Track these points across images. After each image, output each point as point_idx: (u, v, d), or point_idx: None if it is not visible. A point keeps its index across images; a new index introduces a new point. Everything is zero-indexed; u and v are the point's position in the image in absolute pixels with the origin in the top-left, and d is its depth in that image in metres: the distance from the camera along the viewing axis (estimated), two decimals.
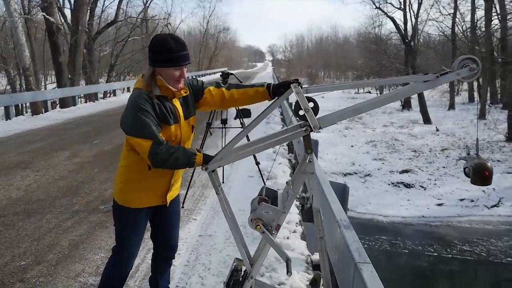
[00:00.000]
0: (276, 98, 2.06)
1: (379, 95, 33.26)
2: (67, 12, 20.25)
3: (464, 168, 2.07)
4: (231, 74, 4.56)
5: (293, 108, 2.01)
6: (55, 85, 19.14)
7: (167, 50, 1.89)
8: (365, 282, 1.70)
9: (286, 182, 2.28)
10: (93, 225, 4.03)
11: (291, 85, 1.99)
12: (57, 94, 15.25)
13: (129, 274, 2.34)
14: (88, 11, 20.00)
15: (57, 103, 15.46)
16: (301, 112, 1.93)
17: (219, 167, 2.01)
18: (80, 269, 3.17)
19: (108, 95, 20.56)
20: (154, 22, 33.39)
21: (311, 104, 1.93)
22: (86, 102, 18.46)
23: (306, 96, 1.95)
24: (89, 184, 5.39)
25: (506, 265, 10.32)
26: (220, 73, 4.63)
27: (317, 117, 1.91)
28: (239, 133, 1.99)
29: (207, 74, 41.23)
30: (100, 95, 19.32)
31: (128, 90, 21.79)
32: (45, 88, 23.41)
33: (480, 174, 1.96)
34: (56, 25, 15.90)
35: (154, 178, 2.08)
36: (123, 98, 18.64)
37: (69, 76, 16.92)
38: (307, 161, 2.00)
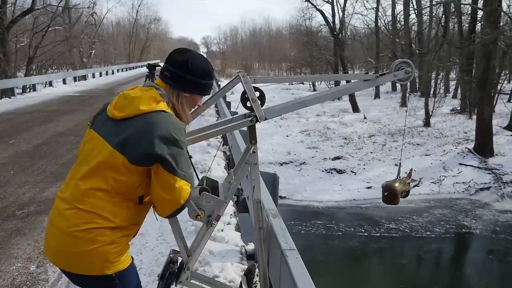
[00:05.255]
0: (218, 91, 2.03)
1: (311, 86, 34.56)
2: None
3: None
4: (158, 65, 4.39)
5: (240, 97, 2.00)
6: None
7: (208, 76, 1.64)
8: (290, 268, 1.74)
9: (228, 173, 2.26)
10: (9, 233, 3.68)
11: (239, 73, 1.97)
12: None
13: None
14: None
15: None
16: (248, 104, 1.93)
17: None
18: None
19: (28, 90, 18.85)
20: (77, 11, 31.23)
21: (257, 94, 1.94)
22: (1, 98, 16.74)
23: (254, 87, 1.95)
24: (3, 188, 4.91)
25: (426, 238, 11.35)
26: (147, 65, 4.45)
27: (263, 108, 1.93)
28: None
29: (138, 66, 39.59)
30: (18, 90, 17.64)
31: (50, 84, 20.26)
32: None
33: (385, 195, 2.12)
34: None
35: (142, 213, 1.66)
36: (43, 93, 17.25)
37: None
38: (251, 151, 2.00)
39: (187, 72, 1.58)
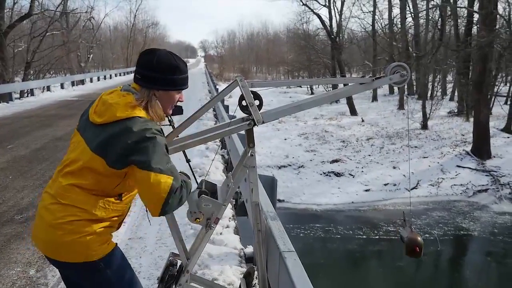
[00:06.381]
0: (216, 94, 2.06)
1: (309, 89, 34.65)
2: None
3: (401, 237, 2.21)
4: None
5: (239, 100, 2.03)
6: None
7: (177, 71, 1.66)
8: (288, 269, 1.75)
9: (226, 176, 2.28)
10: (8, 237, 3.68)
11: (236, 77, 2.00)
12: None
13: None
14: None
15: None
16: (244, 103, 1.96)
17: None
18: None
19: (26, 95, 18.86)
20: (75, 15, 31.27)
21: (256, 102, 1.97)
22: None
23: (252, 91, 1.98)
24: (2, 192, 4.91)
25: (425, 241, 11.24)
26: None
27: (260, 111, 1.95)
28: (170, 132, 1.95)
29: None
30: (16, 95, 17.64)
31: (48, 89, 20.27)
32: None
33: (412, 249, 2.11)
34: None
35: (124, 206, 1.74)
36: (41, 98, 17.25)
37: None
38: (249, 155, 2.02)
39: (153, 70, 1.63)
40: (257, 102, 1.99)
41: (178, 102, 1.76)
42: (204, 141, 2.01)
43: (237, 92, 2.04)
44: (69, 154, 1.66)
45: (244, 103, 1.97)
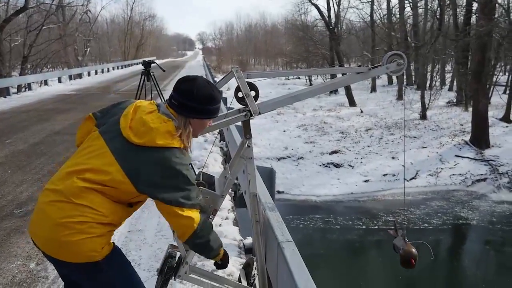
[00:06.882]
0: None
1: (307, 80, 34.53)
2: None
3: (394, 247, 2.23)
4: (153, 62, 4.40)
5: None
6: None
7: (214, 101, 1.71)
8: (287, 259, 1.76)
9: (224, 167, 2.28)
10: (7, 231, 3.69)
11: (232, 69, 2.01)
12: None
13: None
14: None
15: None
16: (240, 94, 1.95)
17: None
18: None
19: (23, 89, 18.76)
20: (71, 9, 31.01)
21: (252, 93, 1.96)
22: None
23: (248, 83, 1.97)
24: (1, 187, 4.91)
25: (424, 230, 11.43)
26: (142, 62, 4.46)
27: (257, 102, 1.95)
28: None
29: (134, 63, 39.41)
30: (14, 90, 17.54)
31: (46, 83, 20.15)
32: None
33: (407, 261, 2.14)
34: None
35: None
36: (39, 92, 17.17)
37: None
38: (246, 146, 2.02)
39: (192, 100, 1.66)
40: (253, 93, 1.98)
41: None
42: (201, 133, 2.00)
43: (235, 84, 2.04)
44: (89, 159, 1.61)
45: (240, 94, 1.96)
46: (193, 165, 4.91)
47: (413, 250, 2.13)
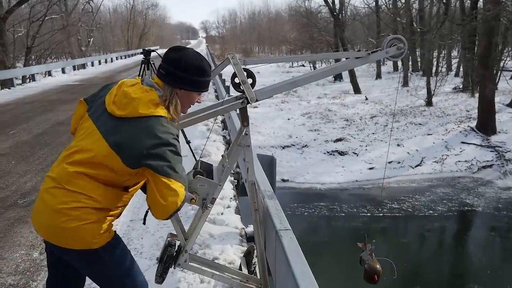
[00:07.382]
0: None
1: (312, 68, 34.24)
2: None
3: (360, 260, 2.17)
4: (153, 51, 4.37)
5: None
6: None
7: (203, 73, 1.66)
8: (284, 247, 1.75)
9: (222, 156, 2.27)
10: (11, 221, 3.73)
11: (228, 55, 1.97)
12: None
13: None
14: None
15: None
16: (236, 80, 1.92)
17: None
18: None
19: (27, 80, 18.82)
20: None
21: (250, 80, 1.94)
22: (0, 89, 16.72)
23: (244, 69, 1.95)
24: (5, 177, 4.95)
25: (429, 217, 11.41)
26: (142, 50, 4.43)
27: (254, 89, 1.92)
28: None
29: (137, 53, 39.27)
30: (18, 81, 17.60)
31: (50, 74, 20.18)
32: None
33: (370, 277, 2.07)
34: None
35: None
36: (43, 83, 17.20)
37: None
38: (243, 133, 2.00)
39: (180, 69, 1.62)
40: (250, 81, 1.95)
41: (196, 103, 1.77)
42: (197, 120, 1.98)
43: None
44: (79, 141, 1.61)
45: (237, 80, 1.93)
46: (193, 152, 4.91)
47: (378, 266, 2.10)
